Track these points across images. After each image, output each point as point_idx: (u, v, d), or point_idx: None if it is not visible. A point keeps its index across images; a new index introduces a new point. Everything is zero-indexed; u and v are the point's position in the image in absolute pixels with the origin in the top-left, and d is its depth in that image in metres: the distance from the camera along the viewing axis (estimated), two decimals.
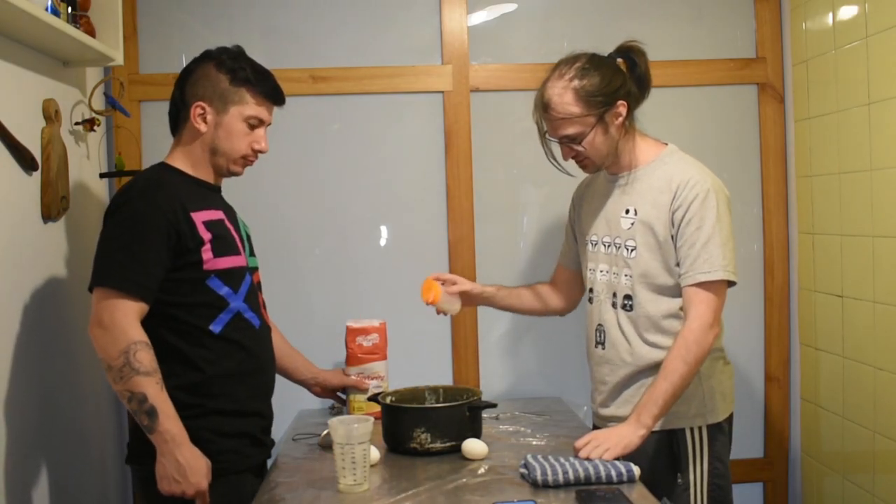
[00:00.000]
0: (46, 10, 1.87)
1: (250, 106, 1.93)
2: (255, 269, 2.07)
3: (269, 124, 2.01)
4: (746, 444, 2.76)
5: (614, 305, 2.05)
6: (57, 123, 2.12)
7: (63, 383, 2.15)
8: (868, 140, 2.26)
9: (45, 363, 2.05)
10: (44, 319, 2.04)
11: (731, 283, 1.95)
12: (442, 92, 2.72)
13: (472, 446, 1.98)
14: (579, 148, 1.99)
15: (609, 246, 2.07)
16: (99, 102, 2.46)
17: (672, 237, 1.95)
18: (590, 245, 2.14)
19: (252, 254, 2.07)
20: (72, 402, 2.20)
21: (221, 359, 1.88)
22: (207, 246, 1.86)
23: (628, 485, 1.73)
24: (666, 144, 2.07)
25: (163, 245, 1.80)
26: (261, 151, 1.98)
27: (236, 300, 1.91)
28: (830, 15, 2.43)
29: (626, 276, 2.01)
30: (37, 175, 2.04)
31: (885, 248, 2.20)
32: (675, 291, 1.98)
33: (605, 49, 2.05)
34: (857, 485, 2.38)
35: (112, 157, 2.63)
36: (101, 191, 2.54)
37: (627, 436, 1.86)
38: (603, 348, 2.08)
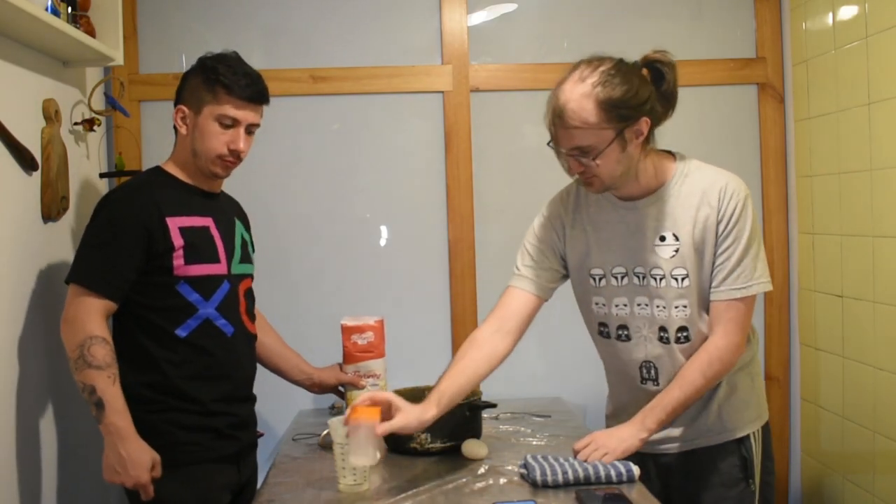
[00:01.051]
0: (46, 10, 1.87)
1: (221, 105, 1.93)
2: (244, 276, 2.06)
3: (254, 125, 1.98)
4: None
5: (664, 340, 1.86)
6: (57, 123, 2.12)
7: (63, 381, 2.15)
8: (868, 140, 2.26)
9: (45, 362, 2.05)
10: (44, 319, 2.04)
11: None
12: (442, 92, 2.72)
13: (472, 447, 1.98)
14: (590, 163, 1.74)
15: (644, 277, 1.86)
16: (99, 102, 2.46)
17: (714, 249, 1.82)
18: (610, 279, 1.90)
19: (244, 261, 2.07)
20: (71, 399, 2.20)
21: (186, 362, 1.91)
22: (179, 252, 1.89)
23: (628, 485, 1.73)
24: (672, 153, 1.89)
25: (135, 247, 1.85)
26: (237, 151, 1.95)
27: (206, 307, 1.93)
28: (830, 15, 2.43)
29: (680, 307, 1.84)
30: (37, 175, 2.04)
31: (885, 248, 2.20)
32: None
33: (607, 50, 1.96)
34: (857, 485, 2.37)
35: (112, 157, 2.63)
36: (101, 191, 2.53)
37: (628, 439, 1.82)
38: (656, 384, 1.90)
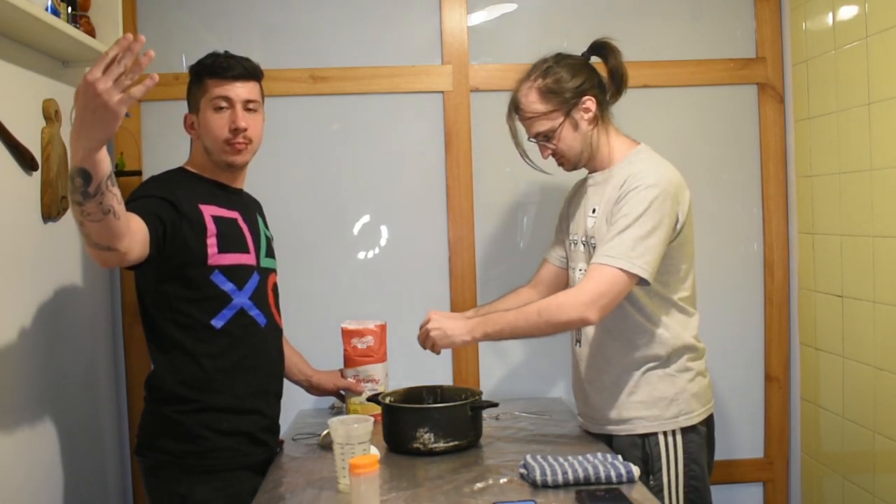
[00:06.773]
0: (46, 10, 1.87)
1: (209, 90, 1.95)
2: (270, 270, 2.10)
3: (251, 101, 1.97)
4: (746, 444, 2.76)
5: None
6: (57, 123, 2.12)
7: (63, 381, 2.15)
8: (868, 140, 2.26)
9: (45, 362, 2.05)
10: (44, 319, 2.04)
11: (644, 282, 1.89)
12: (442, 92, 2.72)
13: None
14: (551, 145, 2.04)
15: (581, 244, 2.10)
16: None
17: None
18: (570, 244, 2.16)
19: (269, 255, 2.11)
20: (72, 399, 2.21)
21: (223, 353, 1.92)
22: (213, 240, 1.90)
23: (628, 485, 1.73)
24: (637, 143, 2.07)
25: (165, 206, 1.82)
26: (239, 129, 1.94)
27: (240, 296, 1.95)
28: (830, 15, 2.43)
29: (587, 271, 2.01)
30: (37, 175, 2.04)
31: (885, 248, 2.20)
32: (638, 290, 1.95)
33: None
34: (857, 485, 2.38)
35: (112, 157, 2.63)
36: None
37: (454, 336, 1.99)
38: (579, 345, 2.11)
